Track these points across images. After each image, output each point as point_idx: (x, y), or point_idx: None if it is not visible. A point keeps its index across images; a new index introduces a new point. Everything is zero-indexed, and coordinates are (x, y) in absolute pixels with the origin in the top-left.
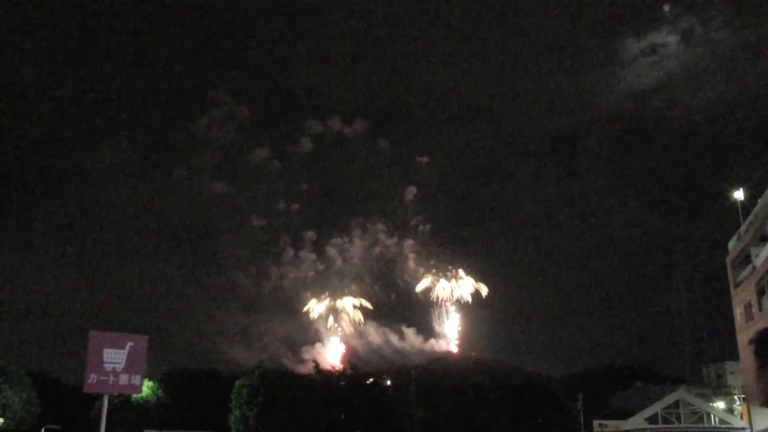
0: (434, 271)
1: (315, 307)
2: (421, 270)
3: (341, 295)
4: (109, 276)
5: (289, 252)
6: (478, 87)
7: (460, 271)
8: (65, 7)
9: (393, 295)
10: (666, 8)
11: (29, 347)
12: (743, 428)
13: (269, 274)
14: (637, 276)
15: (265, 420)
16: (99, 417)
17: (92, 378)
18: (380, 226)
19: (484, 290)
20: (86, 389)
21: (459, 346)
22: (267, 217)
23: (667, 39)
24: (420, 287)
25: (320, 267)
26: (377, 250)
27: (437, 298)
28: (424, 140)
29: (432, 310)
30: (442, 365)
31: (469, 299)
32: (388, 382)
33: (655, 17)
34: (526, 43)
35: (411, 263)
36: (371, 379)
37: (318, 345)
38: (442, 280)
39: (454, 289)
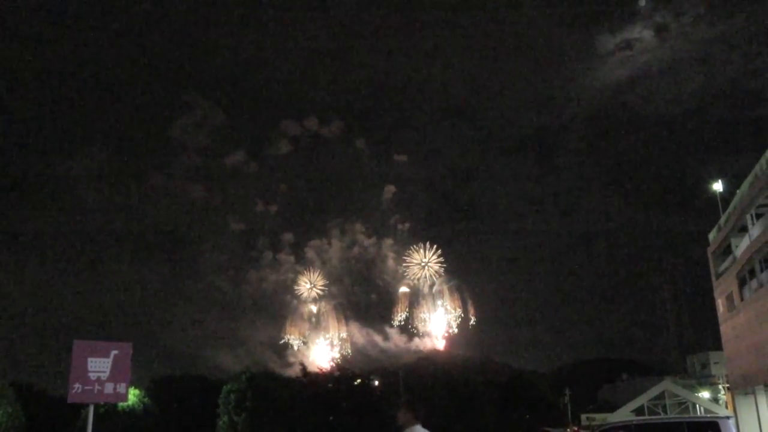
0: (414, 271)
1: (293, 340)
2: (400, 270)
3: (321, 298)
4: (90, 284)
5: (268, 255)
6: (456, 85)
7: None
8: (37, 12)
9: (373, 296)
10: (642, 3)
11: (11, 359)
12: (728, 417)
13: (248, 278)
14: (620, 269)
15: (254, 424)
16: (85, 427)
17: (77, 388)
18: (359, 227)
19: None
20: (71, 399)
21: (445, 344)
22: (245, 220)
23: (642, 33)
24: (398, 319)
25: (299, 269)
26: (356, 250)
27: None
28: (403, 139)
29: (414, 309)
30: (429, 364)
31: (456, 329)
32: (376, 383)
33: (629, 12)
34: (502, 40)
35: (390, 263)
36: (359, 380)
37: (302, 347)
38: (424, 313)
39: (432, 322)
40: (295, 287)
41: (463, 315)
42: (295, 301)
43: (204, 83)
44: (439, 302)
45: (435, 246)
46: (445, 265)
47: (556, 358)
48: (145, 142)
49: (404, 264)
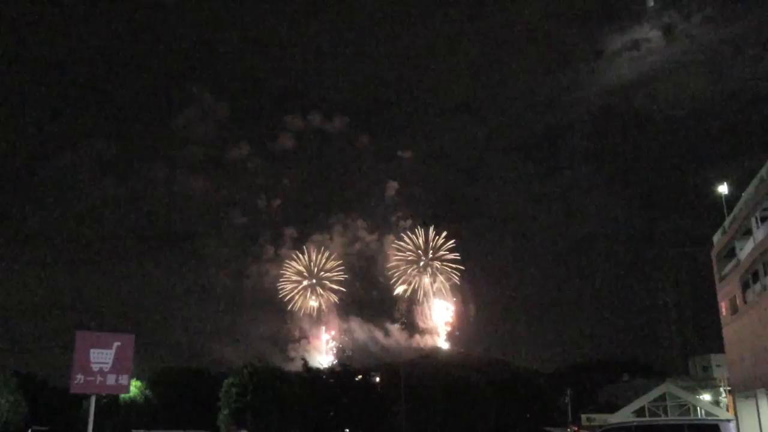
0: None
1: (295, 335)
2: (395, 269)
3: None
4: (92, 275)
5: (270, 250)
6: (462, 83)
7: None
8: (42, 4)
9: (375, 292)
10: (650, 3)
11: (15, 348)
12: (729, 420)
13: (250, 272)
14: (623, 270)
15: (254, 418)
16: (86, 418)
17: (79, 378)
18: (360, 223)
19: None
20: (73, 390)
21: (447, 341)
22: (248, 214)
23: (650, 34)
24: (400, 321)
25: (300, 262)
26: (357, 246)
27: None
28: (407, 136)
29: (415, 307)
30: (430, 362)
31: (457, 328)
32: (377, 379)
33: (637, 13)
34: (509, 39)
35: (392, 259)
36: (360, 377)
37: (304, 342)
38: (425, 312)
39: (433, 319)
40: (291, 283)
41: (464, 313)
42: (296, 296)
43: (208, 76)
44: (441, 300)
45: (442, 234)
46: (447, 264)
47: (558, 357)
48: (149, 135)
49: (397, 259)
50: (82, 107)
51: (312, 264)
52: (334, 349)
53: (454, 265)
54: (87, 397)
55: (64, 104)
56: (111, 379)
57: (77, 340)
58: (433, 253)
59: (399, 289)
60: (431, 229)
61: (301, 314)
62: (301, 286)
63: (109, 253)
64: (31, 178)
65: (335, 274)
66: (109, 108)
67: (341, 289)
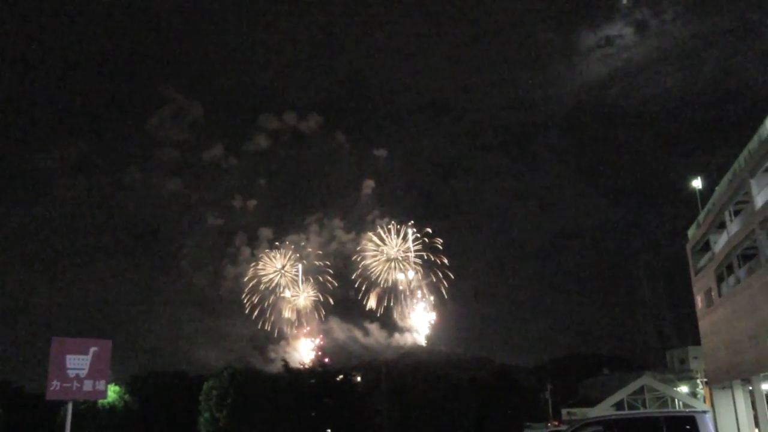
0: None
1: (274, 336)
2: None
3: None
4: (67, 279)
5: (246, 251)
6: (436, 80)
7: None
8: (13, 4)
9: (352, 292)
10: (623, 0)
11: None
12: (705, 411)
13: (226, 274)
14: (601, 265)
15: (236, 421)
16: (64, 424)
17: (55, 385)
18: (337, 222)
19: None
20: (49, 396)
21: (427, 339)
22: (223, 215)
23: (623, 31)
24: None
25: (273, 257)
26: (334, 246)
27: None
28: (382, 134)
29: (394, 306)
30: (412, 360)
31: (436, 325)
32: (358, 379)
33: (609, 10)
34: (483, 36)
35: (369, 259)
36: (341, 376)
37: (283, 343)
38: (405, 309)
39: (412, 317)
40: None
41: (444, 310)
42: (272, 296)
43: (181, 77)
44: (419, 296)
45: (422, 231)
46: (431, 263)
47: (538, 352)
48: (122, 137)
49: (372, 257)
50: (55, 109)
51: (290, 264)
52: (315, 349)
53: (440, 271)
54: (64, 403)
55: (35, 105)
56: (88, 385)
57: (53, 346)
58: (417, 250)
59: (372, 302)
60: (409, 224)
61: (279, 315)
62: (280, 289)
63: (84, 255)
64: (3, 180)
65: (320, 275)
66: (82, 109)
67: (321, 294)
